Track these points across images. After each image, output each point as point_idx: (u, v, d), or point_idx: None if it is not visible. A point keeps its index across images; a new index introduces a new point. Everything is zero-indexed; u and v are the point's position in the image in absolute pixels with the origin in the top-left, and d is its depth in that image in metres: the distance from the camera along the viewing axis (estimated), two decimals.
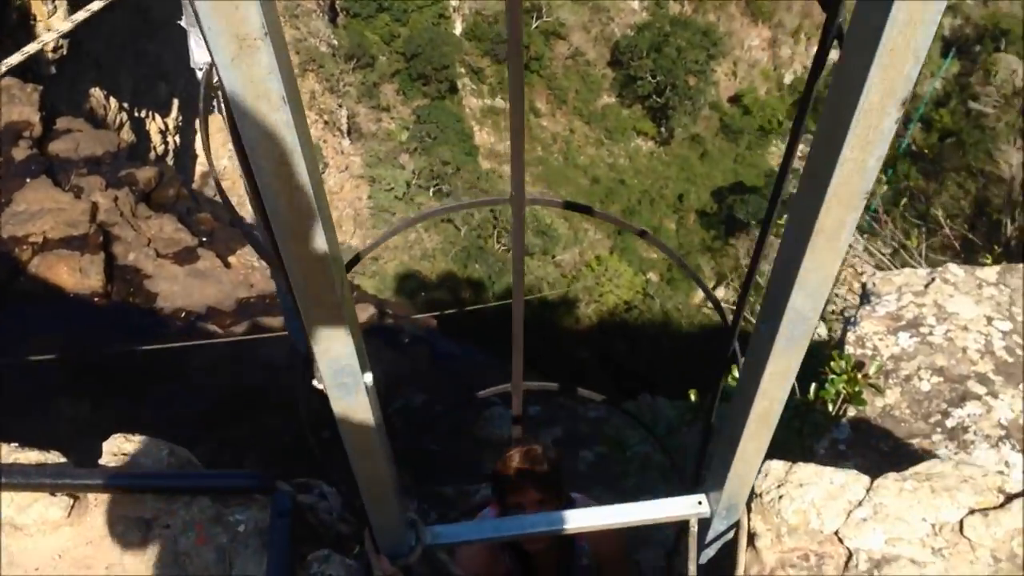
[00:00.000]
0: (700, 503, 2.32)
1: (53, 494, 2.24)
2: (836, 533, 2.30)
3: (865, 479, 2.37)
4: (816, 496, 2.33)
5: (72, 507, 2.24)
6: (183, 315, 13.27)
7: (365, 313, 16.02)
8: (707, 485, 2.33)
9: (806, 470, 2.39)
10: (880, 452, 4.26)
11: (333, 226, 1.44)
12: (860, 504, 2.32)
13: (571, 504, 3.51)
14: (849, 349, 4.53)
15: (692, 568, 2.28)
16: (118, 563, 2.17)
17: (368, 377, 1.67)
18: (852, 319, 4.70)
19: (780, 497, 2.34)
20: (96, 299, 12.94)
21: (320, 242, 1.38)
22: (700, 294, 29.77)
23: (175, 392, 11.24)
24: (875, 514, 2.29)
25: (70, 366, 10.46)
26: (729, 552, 2.38)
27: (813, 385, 4.28)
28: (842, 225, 1.45)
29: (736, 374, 4.13)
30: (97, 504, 2.27)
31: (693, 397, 4.84)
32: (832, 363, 4.27)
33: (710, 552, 2.44)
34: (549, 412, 12.26)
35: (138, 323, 12.78)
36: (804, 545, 2.31)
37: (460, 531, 2.27)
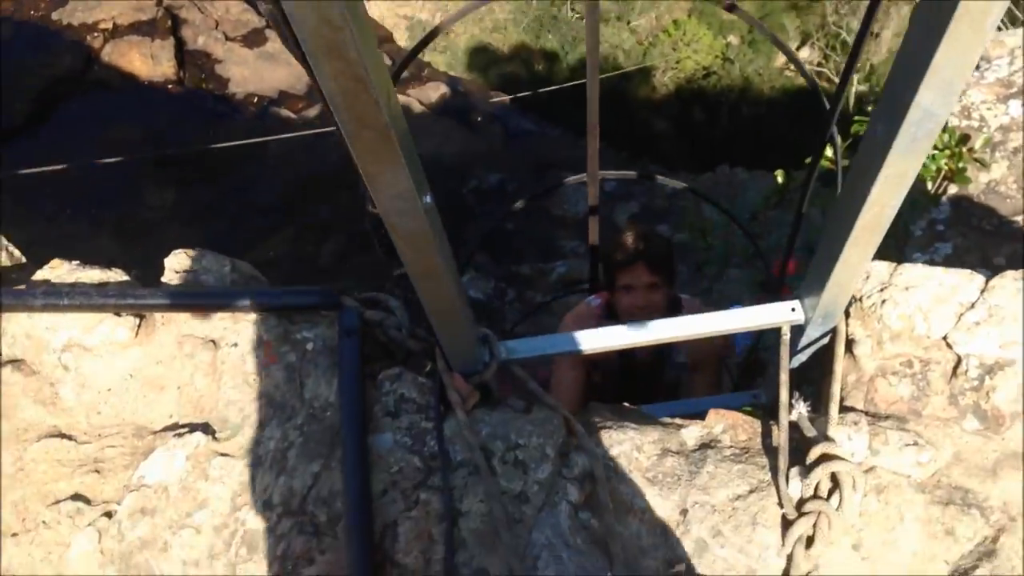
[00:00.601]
0: (793, 310, 2.14)
1: (118, 314, 2.18)
2: (944, 338, 2.12)
3: (980, 279, 2.15)
4: (923, 299, 2.13)
5: (139, 327, 2.18)
6: (255, 100, 13.20)
7: (437, 92, 15.69)
8: (802, 290, 2.14)
9: (913, 271, 2.18)
10: (982, 231, 4.00)
11: (371, 33, 1.20)
12: (973, 306, 2.11)
13: (678, 303, 3.39)
14: (953, 121, 4.17)
15: (784, 377, 2.14)
16: (189, 383, 2.13)
17: (428, 199, 1.49)
18: None
19: (883, 302, 2.15)
20: (169, 86, 12.93)
21: (352, 54, 1.14)
22: (783, 56, 28.27)
23: (254, 180, 11.36)
24: (989, 316, 2.09)
25: (151, 157, 10.63)
26: (824, 358, 2.23)
27: None
28: (991, 6, 1.16)
29: (829, 153, 3.84)
30: (164, 323, 2.21)
31: (780, 179, 4.56)
32: None
33: (802, 357, 2.29)
34: (625, 187, 12.08)
35: (212, 109, 12.80)
36: (908, 351, 2.14)
37: (534, 345, 2.16)
